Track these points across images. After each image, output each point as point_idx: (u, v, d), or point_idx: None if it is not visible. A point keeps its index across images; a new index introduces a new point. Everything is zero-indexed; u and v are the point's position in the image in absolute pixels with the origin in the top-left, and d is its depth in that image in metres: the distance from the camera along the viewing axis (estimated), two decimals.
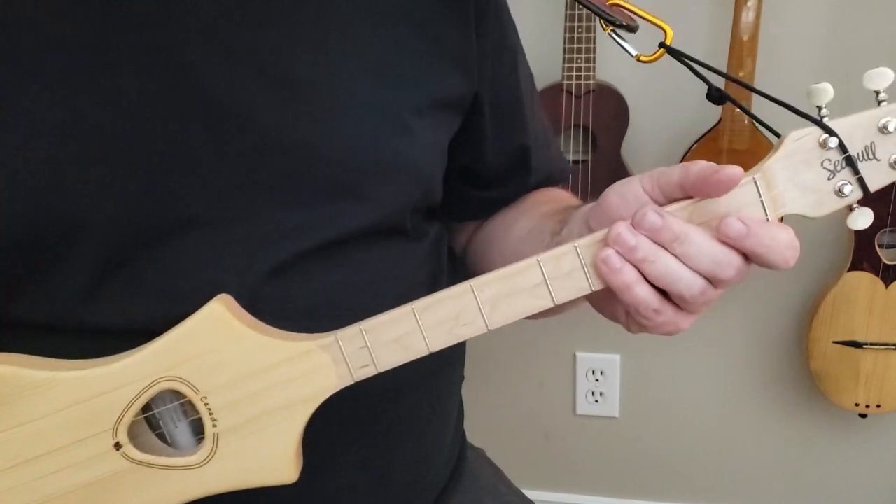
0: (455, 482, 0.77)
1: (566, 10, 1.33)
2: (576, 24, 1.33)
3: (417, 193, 0.63)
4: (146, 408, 0.53)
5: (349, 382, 0.52)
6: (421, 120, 0.61)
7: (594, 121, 1.40)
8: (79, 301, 0.54)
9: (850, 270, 1.38)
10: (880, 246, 1.36)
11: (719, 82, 0.53)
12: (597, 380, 1.68)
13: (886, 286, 1.37)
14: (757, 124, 0.53)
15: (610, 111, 1.40)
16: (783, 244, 0.48)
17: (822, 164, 0.48)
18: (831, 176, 0.48)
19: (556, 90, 1.38)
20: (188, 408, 0.53)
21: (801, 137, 0.48)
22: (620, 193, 0.51)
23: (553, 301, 0.50)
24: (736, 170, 0.46)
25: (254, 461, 0.52)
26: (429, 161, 0.63)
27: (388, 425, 0.65)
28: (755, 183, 0.48)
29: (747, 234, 0.47)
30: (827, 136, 0.48)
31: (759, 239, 0.47)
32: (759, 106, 0.53)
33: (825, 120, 0.48)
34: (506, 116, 0.69)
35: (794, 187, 0.49)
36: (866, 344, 1.40)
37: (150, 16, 0.53)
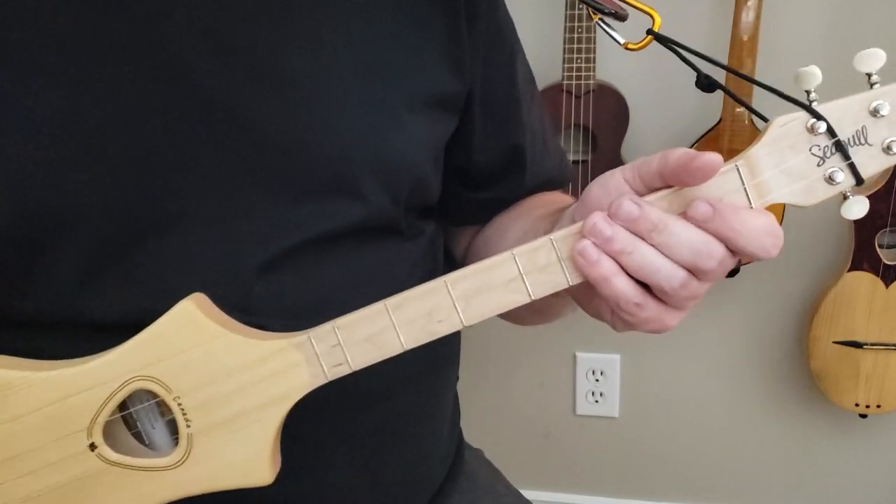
0: (452, 482, 0.77)
1: (566, 10, 1.33)
2: (576, 24, 1.32)
3: (411, 190, 0.63)
4: (124, 407, 0.52)
5: (323, 381, 0.51)
6: (414, 117, 0.61)
7: (594, 121, 1.40)
8: (74, 295, 0.55)
9: (850, 270, 1.38)
10: (880, 246, 1.35)
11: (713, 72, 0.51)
12: (597, 380, 1.68)
13: (887, 286, 1.37)
14: (750, 114, 0.52)
15: (610, 111, 1.40)
16: (757, 230, 0.46)
17: (810, 151, 0.46)
18: (821, 162, 0.46)
19: (556, 90, 1.38)
20: (164, 408, 0.52)
21: (788, 122, 0.46)
22: (602, 185, 0.50)
23: (530, 296, 0.49)
24: (714, 156, 0.45)
25: (228, 462, 0.51)
26: (422, 158, 0.63)
27: (381, 425, 0.65)
28: (738, 170, 0.47)
29: (712, 217, 0.45)
30: (815, 120, 0.46)
31: (727, 223, 0.45)
32: (757, 103, 0.51)
33: (814, 105, 0.46)
34: (499, 115, 0.69)
35: (782, 174, 0.47)
36: (866, 344, 1.40)
37: (147, 14, 0.53)
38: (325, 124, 0.57)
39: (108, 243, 0.54)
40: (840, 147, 0.46)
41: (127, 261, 0.54)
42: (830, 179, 0.47)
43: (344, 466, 0.63)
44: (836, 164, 0.46)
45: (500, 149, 0.70)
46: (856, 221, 1.33)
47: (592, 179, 1.57)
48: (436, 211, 0.71)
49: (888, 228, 1.33)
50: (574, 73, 1.36)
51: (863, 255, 1.36)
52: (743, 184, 0.47)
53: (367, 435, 0.64)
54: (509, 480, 0.85)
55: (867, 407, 1.45)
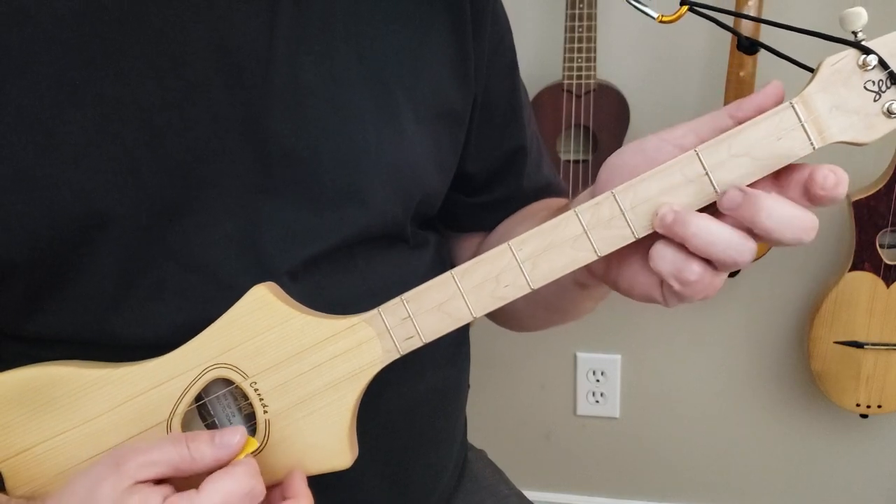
0: (457, 484, 0.78)
1: (566, 9, 1.33)
2: (576, 23, 1.32)
3: (420, 200, 0.63)
4: (200, 400, 0.53)
5: (395, 356, 0.51)
6: (422, 128, 0.62)
7: (595, 120, 1.39)
8: (105, 312, 0.55)
9: (851, 270, 1.38)
10: (881, 246, 1.35)
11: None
12: (597, 380, 1.68)
13: (888, 286, 1.37)
14: (792, 64, 0.51)
15: (610, 111, 1.40)
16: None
17: (864, 87, 0.46)
18: (877, 97, 0.46)
19: (556, 90, 1.38)
20: (241, 401, 0.53)
21: (838, 61, 0.46)
22: (639, 150, 0.49)
23: (596, 253, 0.49)
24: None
25: (307, 446, 0.52)
26: (431, 169, 0.64)
27: (408, 441, 0.66)
28: (793, 107, 0.46)
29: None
30: (865, 56, 0.45)
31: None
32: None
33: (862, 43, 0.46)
34: (500, 121, 0.70)
35: (838, 112, 0.46)
36: (867, 344, 1.40)
37: (166, 34, 0.54)
38: (338, 135, 0.58)
39: (137, 256, 0.55)
40: (895, 78, 0.46)
41: (156, 273, 0.55)
42: (889, 112, 0.46)
43: (373, 483, 0.65)
44: (893, 97, 0.46)
45: (499, 154, 0.71)
46: (856, 221, 1.33)
47: (592, 179, 1.57)
48: (438, 220, 0.72)
49: (889, 228, 1.33)
50: (574, 73, 1.36)
51: (864, 256, 1.36)
52: (800, 121, 0.46)
53: (395, 452, 0.65)
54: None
55: (868, 407, 1.45)
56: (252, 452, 0.51)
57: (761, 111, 0.47)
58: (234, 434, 0.48)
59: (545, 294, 0.65)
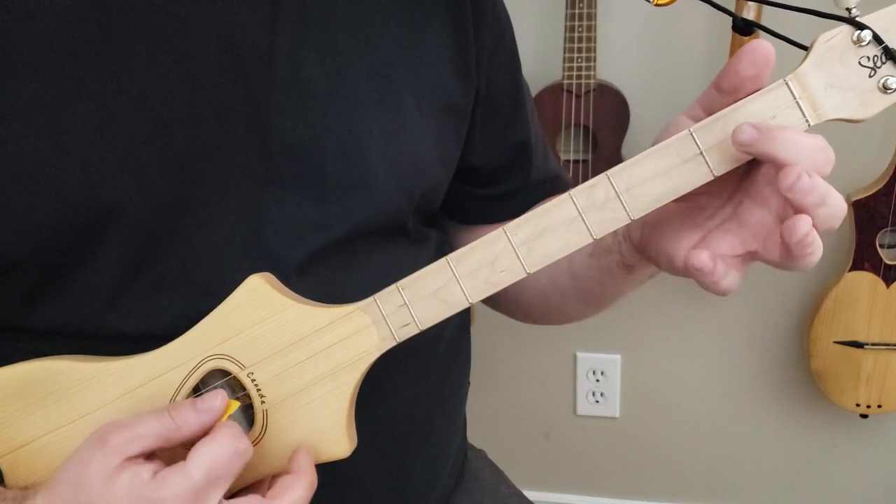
0: (457, 484, 0.78)
1: (566, 9, 1.33)
2: (576, 23, 1.32)
3: (423, 193, 0.64)
4: (198, 393, 0.52)
5: (392, 343, 0.51)
6: (425, 121, 0.62)
7: (595, 120, 1.39)
8: (106, 303, 0.55)
9: (851, 270, 1.38)
10: (881, 246, 1.35)
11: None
12: (597, 380, 1.68)
13: (887, 286, 1.37)
14: (788, 47, 0.51)
15: (610, 110, 1.40)
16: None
17: (859, 63, 0.45)
18: (872, 73, 0.45)
19: (556, 90, 1.38)
20: (239, 393, 0.53)
21: (832, 37, 0.46)
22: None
23: (592, 235, 0.48)
24: (757, 41, 0.45)
25: (305, 435, 0.52)
26: (434, 161, 0.64)
27: (407, 438, 0.66)
28: (787, 84, 0.46)
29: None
30: (859, 31, 0.45)
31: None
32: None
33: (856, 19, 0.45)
34: (503, 115, 0.70)
35: (833, 89, 0.46)
36: (867, 344, 1.40)
37: (165, 27, 0.54)
38: (341, 128, 0.58)
39: (141, 250, 0.55)
40: (889, 53, 0.45)
41: (159, 266, 0.56)
42: (885, 88, 0.45)
43: (373, 480, 0.65)
44: (889, 72, 0.45)
45: (503, 148, 0.71)
46: (856, 221, 1.33)
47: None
48: (443, 216, 0.72)
49: (889, 228, 1.33)
50: (574, 73, 1.36)
51: (864, 255, 1.36)
52: (795, 97, 0.46)
53: (395, 450, 0.66)
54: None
55: (868, 407, 1.45)
56: (252, 442, 0.51)
57: (743, 75, 0.46)
58: (216, 398, 0.48)
59: (588, 284, 0.65)
